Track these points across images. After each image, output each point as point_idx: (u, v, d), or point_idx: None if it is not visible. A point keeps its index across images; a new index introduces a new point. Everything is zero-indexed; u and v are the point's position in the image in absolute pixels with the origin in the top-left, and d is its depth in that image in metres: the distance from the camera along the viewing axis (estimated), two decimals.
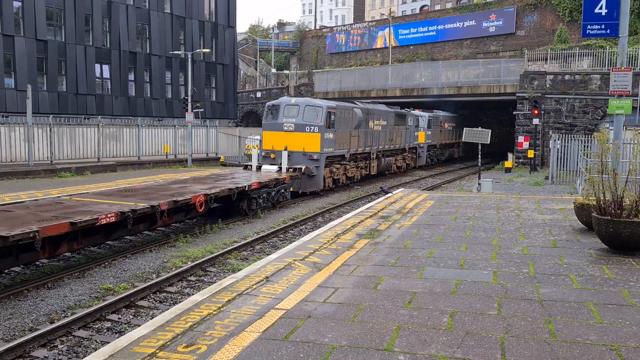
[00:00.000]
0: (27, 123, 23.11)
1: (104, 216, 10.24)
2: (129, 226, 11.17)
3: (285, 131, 20.65)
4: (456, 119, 40.86)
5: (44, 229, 8.97)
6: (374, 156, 26.18)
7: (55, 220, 9.59)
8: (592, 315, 5.49)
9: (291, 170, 19.13)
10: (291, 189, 19.38)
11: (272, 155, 20.55)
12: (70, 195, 14.16)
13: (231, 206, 15.68)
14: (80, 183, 19.44)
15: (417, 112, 34.10)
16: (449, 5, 67.83)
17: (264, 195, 16.73)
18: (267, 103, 22.63)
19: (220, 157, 32.29)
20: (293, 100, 21.83)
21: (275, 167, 19.43)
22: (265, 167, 19.70)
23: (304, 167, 19.73)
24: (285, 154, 19.24)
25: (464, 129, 21.38)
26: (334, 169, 22.16)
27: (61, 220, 9.60)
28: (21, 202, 13.11)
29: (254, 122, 51.94)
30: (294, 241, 10.45)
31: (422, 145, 33.64)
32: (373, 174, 26.31)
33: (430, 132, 34.96)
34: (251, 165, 19.95)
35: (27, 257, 9.58)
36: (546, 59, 34.85)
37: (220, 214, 15.71)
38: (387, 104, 32.04)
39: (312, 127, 20.48)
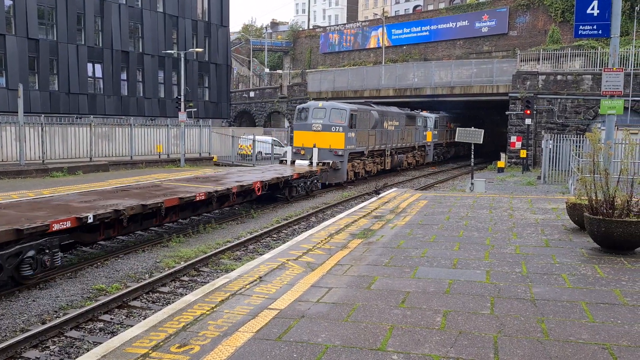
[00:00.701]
0: (18, 122, 22.97)
1: (198, 194, 13.50)
2: (214, 203, 14.44)
3: (314, 131, 23.54)
4: (461, 119, 41.30)
5: (166, 201, 12.30)
6: (388, 153, 28.98)
7: (168, 196, 12.77)
8: (585, 314, 5.52)
9: (321, 164, 22.20)
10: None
11: (302, 152, 23.30)
12: (161, 180, 17.43)
13: (275, 193, 18.63)
14: (73, 183, 19.33)
15: (425, 113, 36.29)
16: (441, 6, 68.02)
17: (301, 184, 19.72)
18: (297, 106, 25.77)
19: (213, 157, 32.22)
20: (320, 104, 24.67)
21: (306, 162, 22.36)
22: (297, 161, 22.59)
23: (331, 162, 22.64)
24: (315, 150, 22.38)
25: (457, 129, 21.56)
26: (355, 164, 25.03)
27: (172, 196, 12.79)
28: (128, 185, 15.80)
29: (247, 122, 51.84)
30: (288, 241, 10.46)
31: (429, 143, 36.09)
32: (387, 169, 29.05)
33: (436, 132, 37.19)
34: (286, 160, 23.15)
35: (146, 223, 12.67)
36: (538, 59, 35.02)
37: (264, 200, 18.36)
38: (380, 103, 33.06)
39: (337, 127, 23.38)
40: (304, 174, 19.79)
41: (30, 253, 8.82)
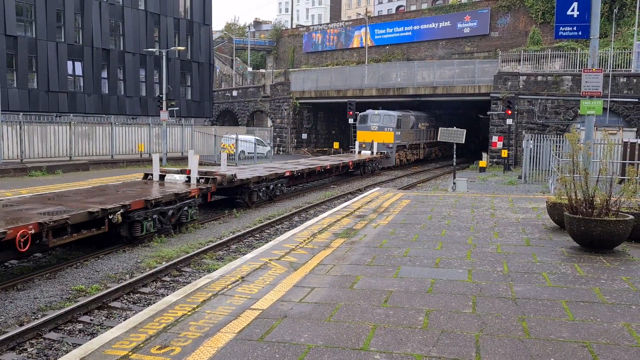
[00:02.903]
0: None
1: (328, 165, 23.50)
2: (333, 171, 24.54)
3: (372, 130, 32.93)
4: (473, 120, 42.06)
5: (317, 167, 22.13)
6: (422, 146, 38.07)
7: (283, 169, 20.27)
8: (565, 312, 5.57)
9: (379, 153, 31.02)
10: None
11: (364, 146, 31.84)
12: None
13: (353, 171, 27.67)
14: (52, 182, 19.05)
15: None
16: (424, 6, 68.37)
17: (370, 165, 29.34)
18: (359, 114, 34.38)
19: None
20: (376, 112, 33.84)
21: (368, 152, 30.83)
22: (362, 152, 31.08)
23: (385, 152, 31.83)
24: (375, 144, 31.24)
25: (440, 128, 21.71)
26: (400, 154, 34.10)
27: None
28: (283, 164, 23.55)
29: (230, 121, 51.55)
30: (270, 240, 10.41)
31: None
32: (421, 158, 38.18)
33: None
34: (354, 150, 31.58)
35: (302, 180, 22.09)
36: (519, 60, 35.42)
37: (339, 176, 26.93)
38: (363, 103, 35.88)
39: (389, 128, 32.76)
40: (372, 158, 29.58)
41: (279, 185, 18.60)
